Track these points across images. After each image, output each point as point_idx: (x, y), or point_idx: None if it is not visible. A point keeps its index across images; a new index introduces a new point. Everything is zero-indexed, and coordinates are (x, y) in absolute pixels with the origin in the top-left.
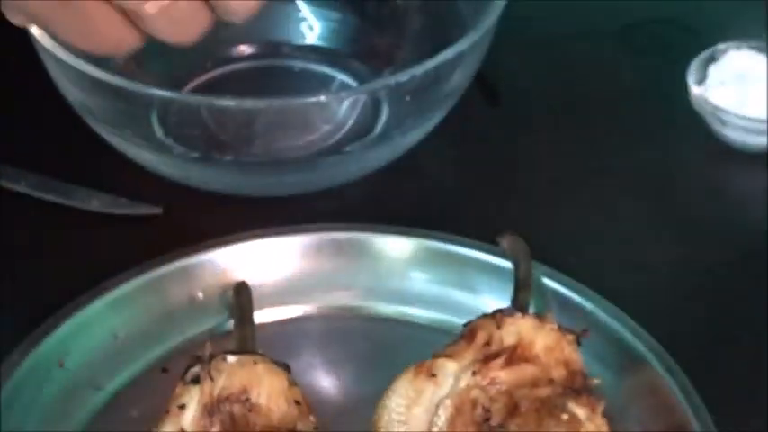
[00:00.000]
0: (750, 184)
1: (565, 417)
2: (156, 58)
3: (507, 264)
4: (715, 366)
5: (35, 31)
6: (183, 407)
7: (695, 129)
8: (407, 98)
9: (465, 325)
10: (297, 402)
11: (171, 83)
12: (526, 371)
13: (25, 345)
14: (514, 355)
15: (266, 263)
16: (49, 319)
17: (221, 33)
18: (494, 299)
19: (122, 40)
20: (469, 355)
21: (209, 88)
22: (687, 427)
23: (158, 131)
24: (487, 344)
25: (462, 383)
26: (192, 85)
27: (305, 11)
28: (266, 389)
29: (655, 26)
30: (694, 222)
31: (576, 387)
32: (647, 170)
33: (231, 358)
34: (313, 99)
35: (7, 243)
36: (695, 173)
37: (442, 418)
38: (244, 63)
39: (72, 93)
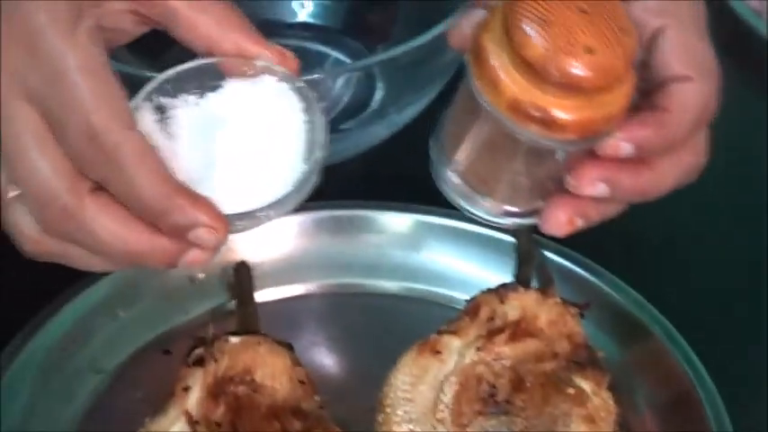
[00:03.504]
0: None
1: (571, 391)
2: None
3: (510, 238)
4: (715, 334)
5: None
6: (187, 389)
7: None
8: (402, 73)
9: (468, 300)
10: (301, 382)
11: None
12: (530, 345)
13: (28, 329)
14: (518, 329)
15: (266, 242)
16: (49, 305)
17: None
18: (496, 273)
19: None
20: (473, 330)
21: None
22: (691, 395)
23: None
24: (491, 319)
25: (467, 360)
26: None
27: None
28: (270, 369)
29: None
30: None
31: (581, 360)
32: None
33: (234, 339)
34: (307, 77)
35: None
36: None
37: (448, 394)
38: None
39: None
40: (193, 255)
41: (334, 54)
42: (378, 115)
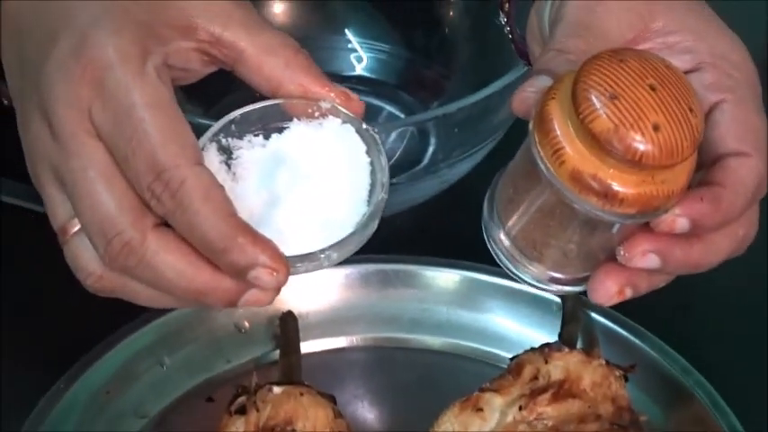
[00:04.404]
0: None
1: None
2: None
3: (555, 297)
4: (761, 401)
5: None
6: None
7: None
8: (455, 130)
9: (512, 359)
10: None
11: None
12: (573, 406)
13: (72, 372)
14: (561, 390)
15: (313, 293)
16: (95, 347)
17: None
18: (541, 332)
19: None
20: (516, 389)
21: None
22: None
23: None
24: (534, 378)
25: (509, 418)
26: None
27: (354, 42)
28: (311, 420)
29: None
30: (747, 255)
31: (624, 423)
32: None
33: (277, 389)
34: None
35: (52, 268)
36: None
37: None
38: None
39: None
40: (253, 295)
41: (389, 108)
42: (429, 171)
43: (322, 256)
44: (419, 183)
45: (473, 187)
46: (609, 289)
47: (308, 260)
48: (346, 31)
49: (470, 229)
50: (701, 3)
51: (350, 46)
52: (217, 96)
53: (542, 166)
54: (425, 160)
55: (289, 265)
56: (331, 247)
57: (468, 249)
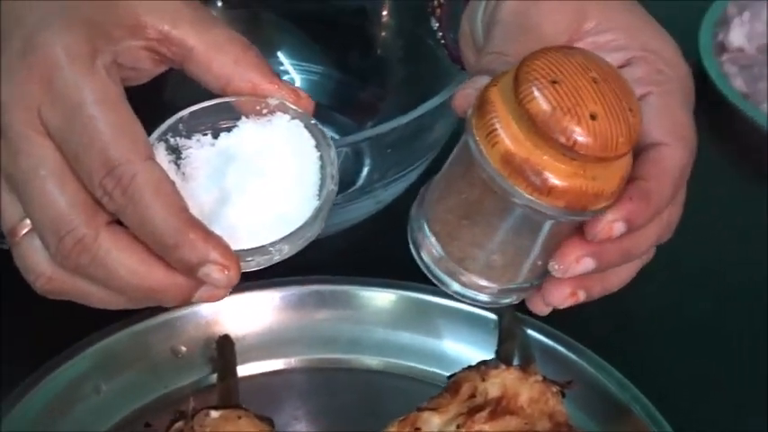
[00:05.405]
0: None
1: None
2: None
3: (492, 315)
4: (698, 416)
5: None
6: None
7: None
8: (389, 150)
9: (449, 377)
10: None
11: None
12: (511, 423)
13: (10, 400)
14: (499, 407)
15: (249, 316)
16: (32, 374)
17: (199, 90)
18: (479, 350)
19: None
20: (454, 407)
21: None
22: None
23: None
24: (472, 396)
25: None
26: None
27: (286, 64)
28: None
29: None
30: (680, 271)
31: None
32: None
33: (214, 413)
34: None
35: None
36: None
37: None
38: None
39: None
40: (206, 291)
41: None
42: (364, 191)
43: (272, 249)
44: (354, 204)
45: (407, 208)
46: (562, 291)
47: (259, 254)
48: (279, 53)
49: (406, 249)
50: (633, 2)
51: (282, 68)
52: (161, 117)
53: (475, 150)
54: (360, 181)
55: (239, 262)
56: (281, 240)
57: (404, 269)
